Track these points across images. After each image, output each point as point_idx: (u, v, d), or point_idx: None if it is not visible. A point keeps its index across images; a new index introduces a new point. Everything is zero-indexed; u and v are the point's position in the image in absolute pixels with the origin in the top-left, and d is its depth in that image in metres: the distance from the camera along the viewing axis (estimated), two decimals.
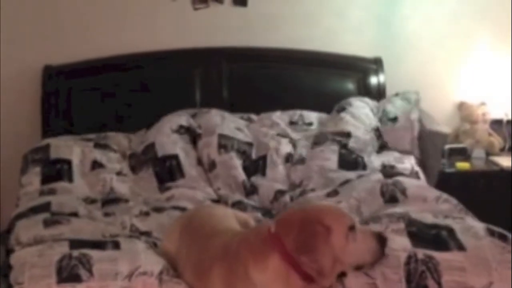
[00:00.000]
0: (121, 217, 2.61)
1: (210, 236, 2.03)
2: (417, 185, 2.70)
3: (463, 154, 3.67)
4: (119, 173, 3.05)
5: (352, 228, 1.84)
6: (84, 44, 3.67)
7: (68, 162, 3.03)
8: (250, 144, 3.21)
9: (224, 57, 3.70)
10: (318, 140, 3.21)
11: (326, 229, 1.77)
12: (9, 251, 2.26)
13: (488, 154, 3.72)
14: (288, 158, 3.15)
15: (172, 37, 3.72)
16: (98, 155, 3.11)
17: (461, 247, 2.00)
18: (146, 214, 2.68)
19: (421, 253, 1.96)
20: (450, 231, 2.10)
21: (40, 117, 3.59)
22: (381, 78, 3.72)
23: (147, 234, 2.47)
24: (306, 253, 1.75)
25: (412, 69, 3.78)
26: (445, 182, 3.17)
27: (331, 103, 3.48)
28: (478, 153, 3.70)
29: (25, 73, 3.66)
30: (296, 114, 3.46)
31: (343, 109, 3.40)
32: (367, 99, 3.53)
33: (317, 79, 3.69)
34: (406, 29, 3.80)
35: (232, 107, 3.56)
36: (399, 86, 3.65)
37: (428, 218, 2.23)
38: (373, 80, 3.72)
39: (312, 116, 3.47)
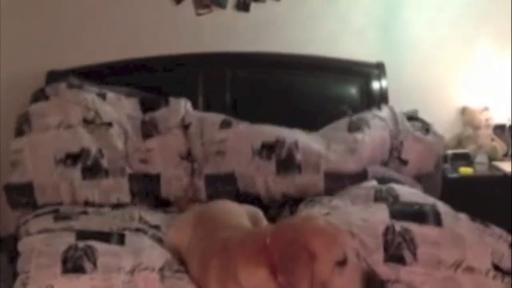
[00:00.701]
0: (130, 211, 2.64)
1: (220, 230, 2.07)
2: (410, 192, 2.65)
3: (466, 159, 3.66)
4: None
5: (342, 262, 1.72)
6: (87, 50, 3.69)
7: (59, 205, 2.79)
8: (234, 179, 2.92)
9: (226, 62, 3.71)
10: (332, 185, 2.81)
11: (311, 256, 1.69)
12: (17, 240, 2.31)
13: (491, 159, 3.70)
14: (288, 200, 2.86)
15: (175, 42, 3.73)
16: (89, 190, 2.85)
17: (438, 223, 2.06)
18: (155, 208, 2.76)
19: (398, 225, 2.02)
20: (433, 207, 2.17)
21: None
22: (383, 83, 3.72)
23: (156, 227, 2.49)
24: (284, 275, 1.72)
25: (414, 74, 3.78)
26: (448, 187, 3.17)
27: (333, 108, 3.47)
28: (481, 158, 3.68)
29: (28, 78, 3.66)
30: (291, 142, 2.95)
31: (357, 128, 3.04)
32: (385, 114, 3.15)
33: (319, 84, 3.69)
34: (408, 34, 3.80)
35: (235, 112, 3.58)
36: (401, 91, 3.65)
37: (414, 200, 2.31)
38: (375, 85, 3.72)
39: (314, 145, 2.98)
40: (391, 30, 3.80)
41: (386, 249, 1.97)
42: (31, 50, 3.67)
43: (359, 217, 2.10)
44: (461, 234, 2.01)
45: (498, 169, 3.61)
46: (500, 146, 3.75)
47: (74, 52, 3.67)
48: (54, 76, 3.62)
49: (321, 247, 1.70)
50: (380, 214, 2.10)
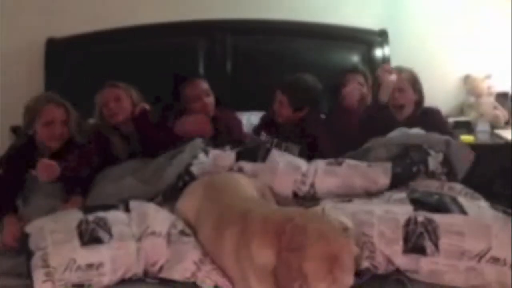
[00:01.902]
0: None
1: (232, 199, 2.13)
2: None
3: (468, 127, 3.65)
4: None
5: None
6: (87, 17, 3.66)
7: None
8: None
9: (227, 29, 3.68)
10: None
11: (302, 276, 1.69)
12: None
13: (492, 127, 3.69)
14: None
15: (176, 9, 3.70)
16: None
17: (463, 211, 2.01)
18: None
19: (421, 216, 1.98)
20: (453, 198, 2.12)
21: (44, 89, 3.59)
22: (386, 50, 3.70)
23: None
24: (278, 276, 1.75)
25: (417, 41, 3.75)
26: None
27: (335, 75, 3.44)
28: (482, 126, 3.67)
29: (28, 45, 3.65)
30: (306, 183, 2.50)
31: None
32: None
33: (322, 51, 3.67)
34: (411, 2, 3.76)
35: (235, 80, 3.56)
36: (404, 59, 3.61)
37: (431, 189, 2.25)
38: (378, 52, 3.70)
39: (327, 183, 2.51)
40: None
41: (406, 240, 1.94)
42: (30, 17, 3.64)
43: (382, 208, 2.07)
44: (487, 223, 1.96)
45: (499, 137, 3.60)
46: (502, 114, 3.73)
47: (74, 19, 3.65)
48: (53, 43, 3.62)
49: (313, 274, 1.69)
50: (404, 205, 2.06)
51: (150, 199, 2.45)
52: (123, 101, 2.99)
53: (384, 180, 2.42)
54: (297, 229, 1.77)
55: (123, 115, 2.98)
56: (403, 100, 3.02)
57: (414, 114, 3.03)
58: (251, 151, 2.67)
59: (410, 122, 2.93)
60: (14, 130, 3.13)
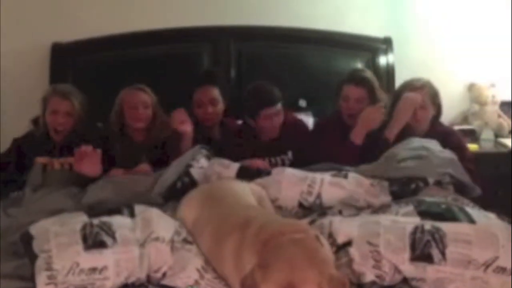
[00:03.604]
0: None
1: (233, 207, 2.14)
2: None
3: (472, 135, 3.65)
4: None
5: None
6: (92, 22, 3.67)
7: None
8: None
9: (232, 36, 3.69)
10: None
11: None
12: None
13: (497, 136, 3.69)
14: None
15: (180, 16, 3.71)
16: None
17: (471, 220, 2.01)
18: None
19: (428, 224, 1.98)
20: (461, 207, 2.12)
21: None
22: (390, 58, 3.70)
23: None
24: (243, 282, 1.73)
25: (421, 49, 3.76)
26: None
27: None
28: (486, 134, 3.67)
29: (33, 50, 3.66)
30: (312, 193, 2.48)
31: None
32: None
33: (326, 58, 3.67)
34: (416, 8, 3.77)
35: (239, 86, 3.56)
36: (408, 66, 3.62)
37: (438, 199, 2.25)
38: (382, 60, 3.70)
39: (333, 195, 2.49)
40: (399, 5, 3.77)
41: (413, 248, 1.92)
42: (36, 22, 3.65)
43: (389, 218, 2.08)
44: (495, 233, 1.95)
45: (503, 145, 3.60)
46: (506, 122, 3.73)
47: (79, 24, 3.65)
48: (58, 48, 3.63)
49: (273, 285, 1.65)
50: (411, 215, 2.07)
51: (150, 203, 2.43)
52: (149, 109, 3.08)
53: (384, 197, 2.45)
54: (276, 246, 1.75)
55: (146, 123, 3.06)
56: (423, 115, 2.98)
57: (432, 128, 3.00)
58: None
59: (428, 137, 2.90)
60: (35, 121, 3.18)
